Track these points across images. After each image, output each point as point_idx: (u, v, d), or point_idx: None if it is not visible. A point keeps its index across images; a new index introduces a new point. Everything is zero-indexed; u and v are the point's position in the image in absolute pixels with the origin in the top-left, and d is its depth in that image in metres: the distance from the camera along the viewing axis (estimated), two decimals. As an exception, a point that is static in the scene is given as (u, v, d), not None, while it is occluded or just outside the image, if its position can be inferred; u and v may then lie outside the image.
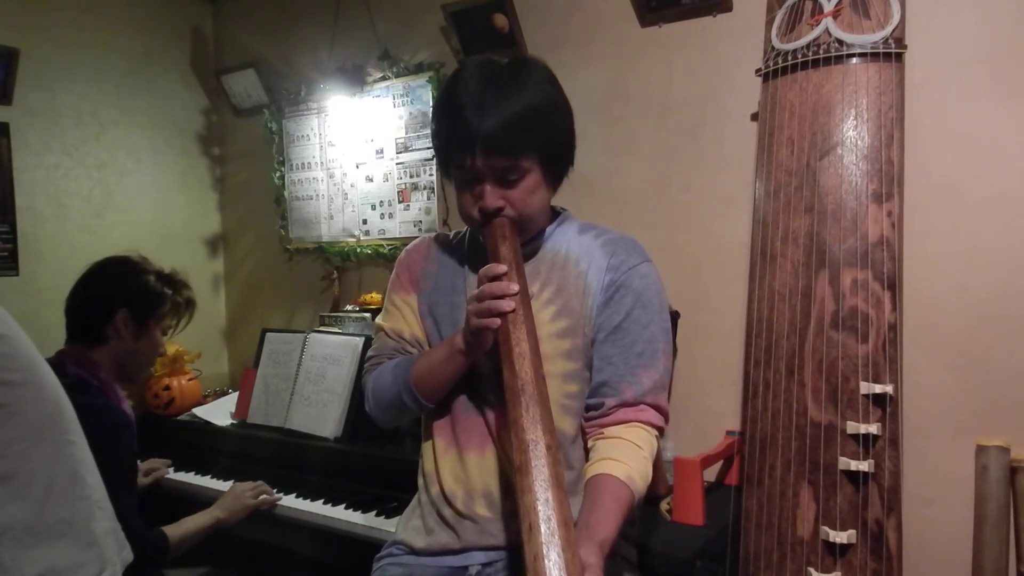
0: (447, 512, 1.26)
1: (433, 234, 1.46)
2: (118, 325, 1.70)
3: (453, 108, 1.18)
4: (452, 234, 1.43)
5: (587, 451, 1.23)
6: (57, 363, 1.59)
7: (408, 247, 1.44)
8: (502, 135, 1.14)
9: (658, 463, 1.81)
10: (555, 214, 1.36)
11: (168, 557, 1.69)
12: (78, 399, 1.45)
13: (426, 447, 1.33)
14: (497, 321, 1.10)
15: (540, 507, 0.89)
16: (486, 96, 1.15)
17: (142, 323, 1.74)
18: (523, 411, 1.00)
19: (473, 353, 1.19)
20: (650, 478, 1.16)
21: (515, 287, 1.11)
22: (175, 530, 1.73)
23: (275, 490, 2.06)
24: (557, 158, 1.24)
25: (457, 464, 1.27)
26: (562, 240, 1.30)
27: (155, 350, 1.81)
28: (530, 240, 1.29)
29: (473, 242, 1.36)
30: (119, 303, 1.70)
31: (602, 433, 1.20)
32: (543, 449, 0.95)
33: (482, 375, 1.26)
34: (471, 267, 1.32)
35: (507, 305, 1.10)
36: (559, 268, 1.27)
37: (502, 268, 1.13)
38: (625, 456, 1.14)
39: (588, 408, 1.24)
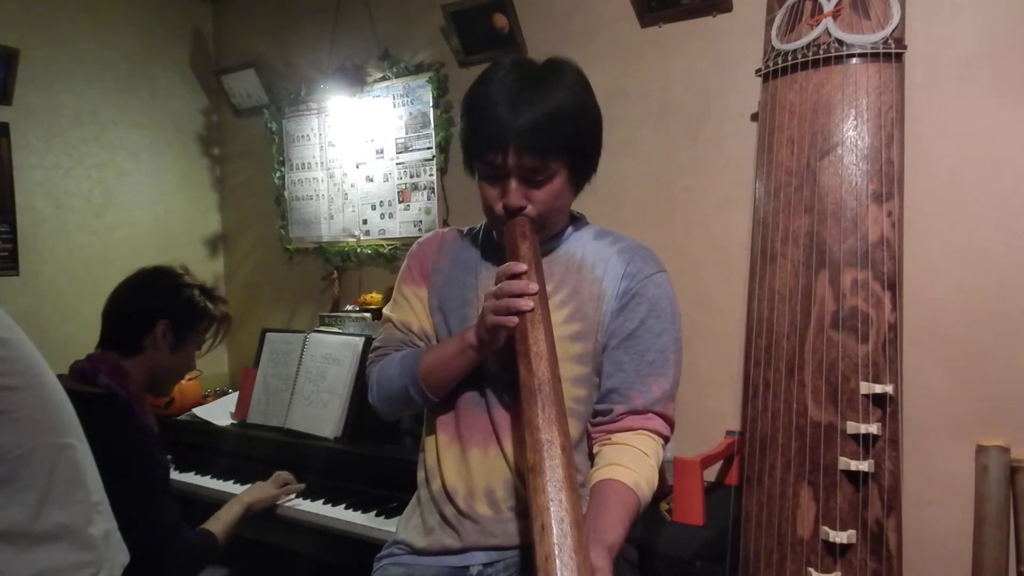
0: (448, 510, 1.26)
1: (447, 228, 1.46)
2: (157, 336, 1.67)
3: (486, 104, 1.18)
4: (466, 229, 1.42)
5: (591, 456, 1.23)
6: (89, 370, 1.58)
7: (421, 240, 1.44)
8: (535, 134, 1.14)
9: (658, 463, 1.82)
10: (572, 218, 1.36)
11: (218, 553, 1.70)
12: (107, 414, 1.45)
13: (428, 441, 1.33)
14: (515, 319, 1.10)
15: (553, 508, 0.89)
16: (521, 94, 1.15)
17: (181, 336, 1.71)
18: (539, 411, 1.00)
19: (485, 350, 1.19)
20: (655, 485, 1.17)
21: (535, 286, 1.11)
22: (216, 526, 1.74)
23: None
24: (584, 162, 1.24)
25: (460, 460, 1.27)
26: (578, 244, 1.30)
27: (188, 364, 1.79)
28: (547, 241, 1.29)
29: (487, 238, 1.36)
30: (161, 314, 1.68)
31: (609, 439, 1.20)
32: (558, 450, 0.95)
33: (489, 372, 1.26)
34: (483, 263, 1.32)
35: (526, 304, 1.09)
36: (574, 271, 1.27)
37: (522, 267, 1.13)
38: (632, 463, 1.14)
39: (596, 414, 1.24)
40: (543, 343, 1.07)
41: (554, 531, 0.87)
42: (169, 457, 2.28)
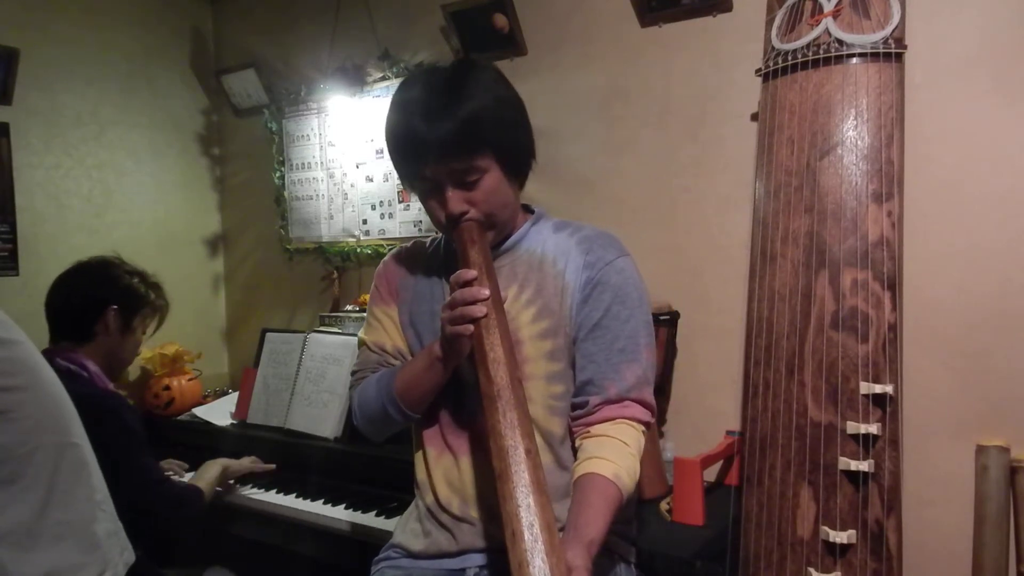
0: (443, 517, 1.26)
1: (410, 243, 1.45)
2: (108, 322, 1.79)
3: (401, 120, 1.19)
4: (428, 241, 1.43)
5: (576, 451, 1.23)
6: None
7: (385, 258, 1.44)
8: (452, 138, 1.14)
9: (658, 463, 1.82)
10: (530, 212, 1.36)
11: (205, 505, 1.82)
12: (70, 388, 1.49)
13: (417, 457, 1.33)
14: (470, 328, 1.10)
15: (522, 513, 0.89)
16: (432, 102, 1.15)
17: (128, 322, 1.83)
18: (500, 417, 0.99)
19: (451, 361, 1.19)
20: (638, 474, 1.16)
21: (485, 292, 1.10)
22: (200, 483, 1.86)
23: (275, 490, 2.09)
24: (513, 153, 1.23)
25: (453, 470, 1.27)
26: (538, 240, 1.30)
27: (136, 348, 1.91)
28: (505, 240, 1.29)
29: (448, 248, 1.35)
30: (109, 301, 1.79)
31: (588, 432, 1.19)
32: (522, 454, 0.95)
33: (465, 381, 1.25)
34: (448, 274, 1.30)
35: (479, 311, 1.09)
36: (536, 268, 1.27)
37: (472, 273, 1.13)
38: (611, 454, 1.13)
39: (573, 407, 1.24)
40: (499, 348, 1.06)
41: (525, 537, 0.87)
42: (186, 465, 2.30)
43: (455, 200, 1.18)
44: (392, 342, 1.35)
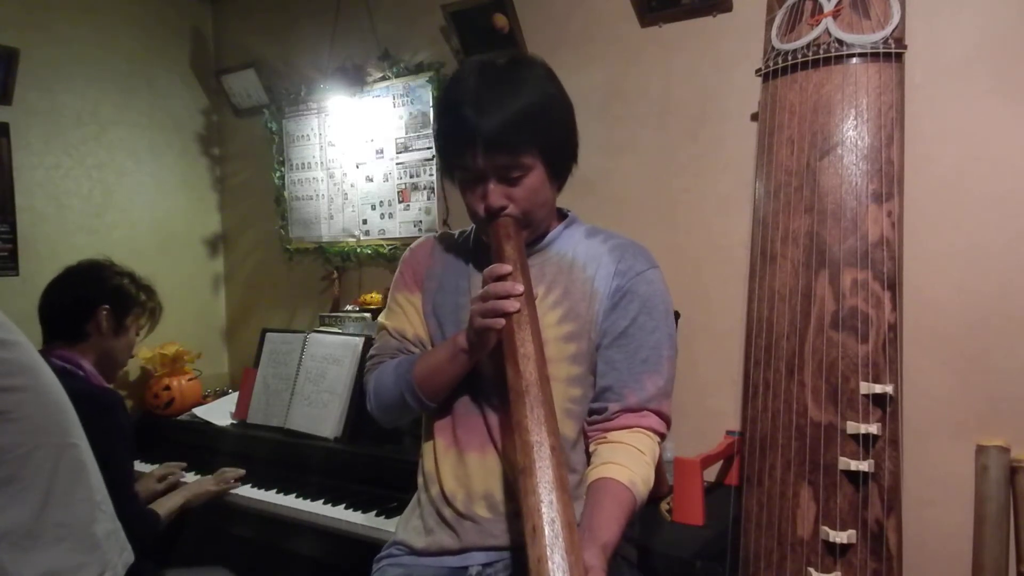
0: (447, 512, 1.26)
1: (438, 233, 1.45)
2: (100, 321, 1.79)
3: (453, 108, 1.18)
4: (457, 233, 1.42)
5: (588, 455, 1.23)
6: None
7: (413, 246, 1.44)
8: (503, 132, 1.14)
9: (658, 463, 1.81)
10: (562, 216, 1.36)
11: (160, 531, 1.82)
12: (66, 385, 1.50)
13: (427, 447, 1.33)
14: (501, 321, 1.10)
15: (544, 509, 0.89)
16: (485, 95, 1.15)
17: (121, 321, 1.84)
18: (527, 412, 1.00)
19: (476, 353, 1.19)
20: (652, 483, 1.17)
21: (520, 287, 1.11)
22: (160, 510, 1.85)
23: (275, 490, 2.08)
24: (559, 154, 1.24)
25: (458, 464, 1.27)
26: (569, 243, 1.30)
27: (130, 349, 1.91)
28: (536, 241, 1.29)
29: (478, 241, 1.35)
30: (100, 301, 1.80)
31: (605, 438, 1.20)
32: (548, 451, 0.95)
33: (484, 375, 1.25)
34: (475, 267, 1.31)
35: (512, 305, 1.09)
36: (566, 271, 1.27)
37: (507, 268, 1.13)
38: (628, 460, 1.14)
39: (591, 412, 1.24)
40: (530, 344, 1.06)
41: (546, 533, 0.87)
42: (184, 464, 2.30)
43: (496, 194, 1.18)
44: (413, 330, 1.35)
